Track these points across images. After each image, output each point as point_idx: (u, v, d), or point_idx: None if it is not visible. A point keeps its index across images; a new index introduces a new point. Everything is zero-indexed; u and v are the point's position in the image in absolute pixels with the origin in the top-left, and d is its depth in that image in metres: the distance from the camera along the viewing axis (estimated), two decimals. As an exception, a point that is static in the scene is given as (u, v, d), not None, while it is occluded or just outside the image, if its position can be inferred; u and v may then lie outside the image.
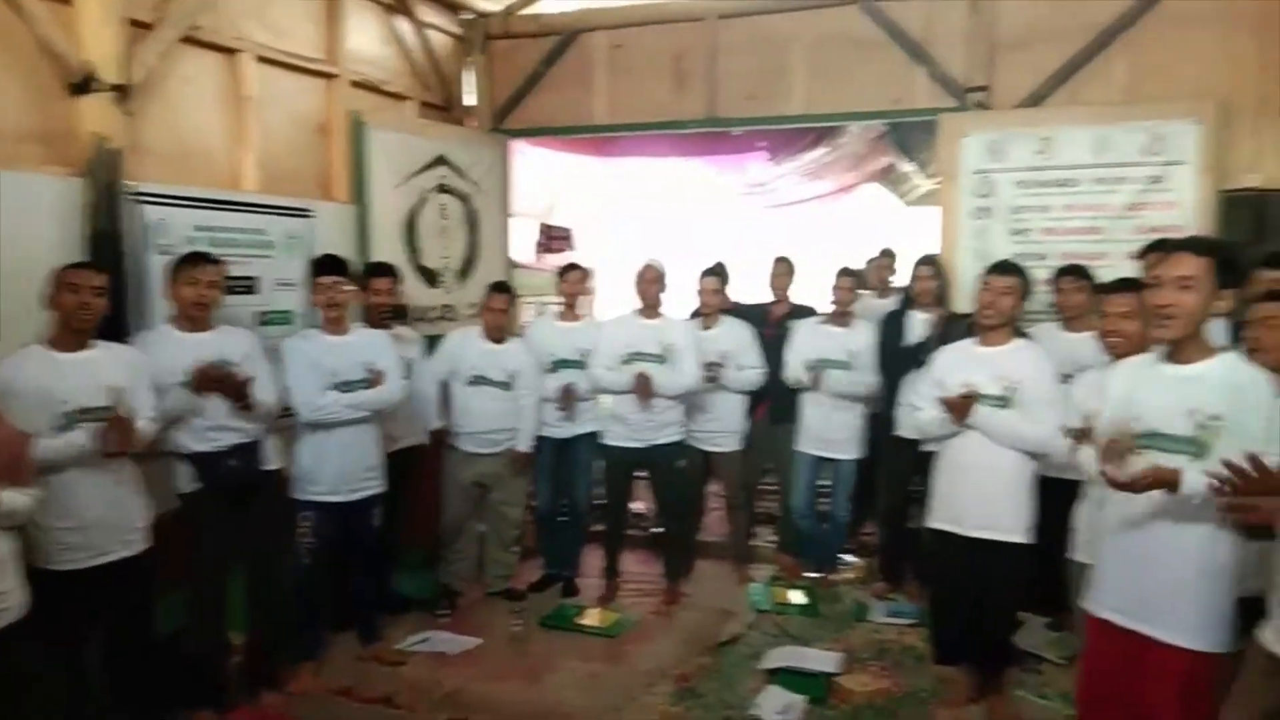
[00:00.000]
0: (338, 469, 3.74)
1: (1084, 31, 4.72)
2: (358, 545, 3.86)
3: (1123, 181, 4.54)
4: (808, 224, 8.19)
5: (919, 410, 3.51)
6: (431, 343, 4.66)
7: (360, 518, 3.83)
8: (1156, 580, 2.30)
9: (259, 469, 3.45)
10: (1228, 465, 1.90)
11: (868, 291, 5.62)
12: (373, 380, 3.75)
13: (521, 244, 7.04)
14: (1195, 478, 2.15)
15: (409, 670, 3.93)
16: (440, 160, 5.31)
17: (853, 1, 5.12)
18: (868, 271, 5.88)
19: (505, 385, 4.49)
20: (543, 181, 7.35)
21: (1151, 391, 2.34)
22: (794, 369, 4.75)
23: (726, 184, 8.15)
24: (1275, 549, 1.91)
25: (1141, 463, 2.26)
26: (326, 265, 3.79)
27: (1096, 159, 4.58)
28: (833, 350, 4.71)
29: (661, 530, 5.01)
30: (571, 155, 7.55)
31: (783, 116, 5.48)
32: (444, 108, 5.73)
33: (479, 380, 4.48)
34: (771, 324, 5.03)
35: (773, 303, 5.18)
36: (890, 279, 5.92)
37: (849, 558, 5.17)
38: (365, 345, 3.82)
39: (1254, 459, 1.88)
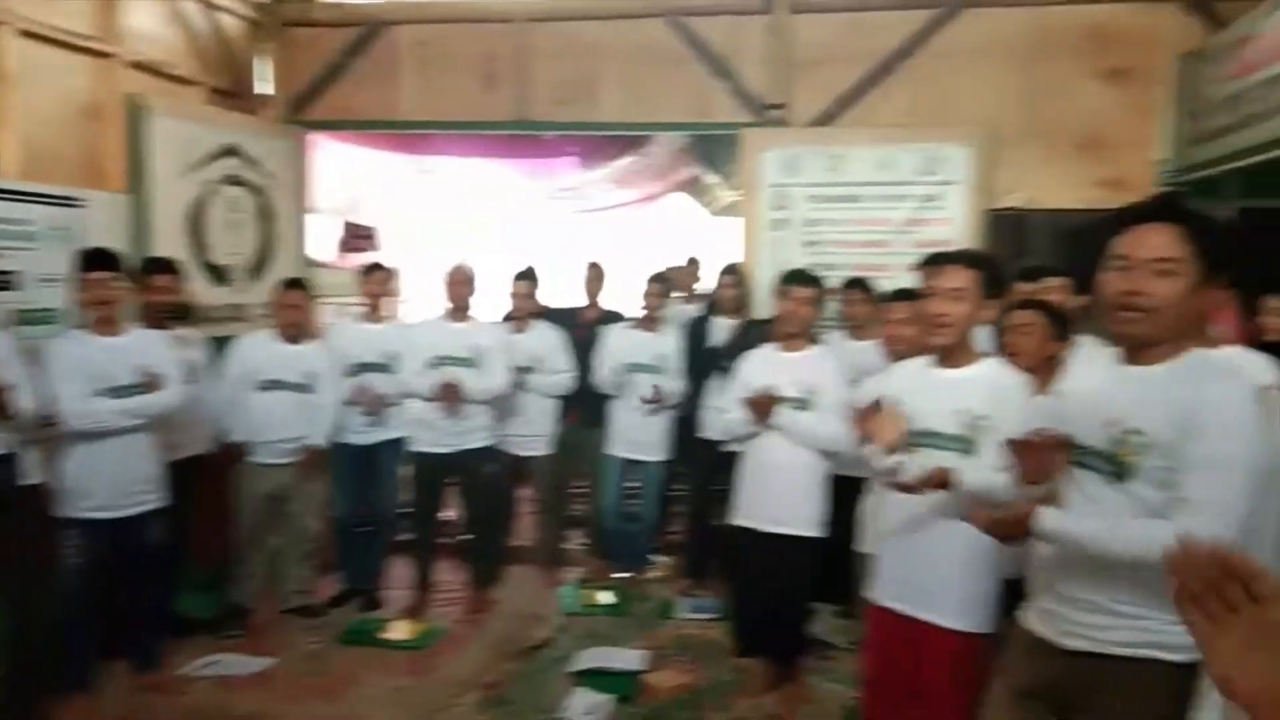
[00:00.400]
0: (110, 482, 3.41)
1: (870, 57, 5.08)
2: (133, 564, 3.53)
3: (903, 199, 4.91)
4: (617, 230, 8.31)
5: (727, 412, 3.63)
6: (220, 345, 4.36)
7: (136, 535, 3.50)
8: (928, 570, 2.48)
9: (15, 484, 3.11)
10: (1010, 442, 2.05)
11: (678, 296, 5.76)
12: (149, 385, 3.45)
13: (321, 242, 6.72)
14: (969, 476, 2.34)
15: (193, 697, 3.65)
16: (230, 151, 4.99)
17: (659, 15, 5.24)
18: (676, 278, 6.02)
19: (302, 388, 4.25)
20: (345, 177, 7.04)
21: (924, 393, 2.53)
22: (604, 373, 4.80)
23: (536, 187, 8.12)
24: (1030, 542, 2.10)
25: (918, 459, 2.44)
26: (95, 259, 3.44)
27: (880, 177, 4.93)
28: (642, 354, 4.80)
29: (469, 537, 4.91)
30: (376, 151, 7.27)
31: (592, 123, 5.55)
32: (236, 95, 5.38)
33: (273, 384, 4.22)
34: (583, 328, 5.07)
35: (584, 307, 5.22)
36: (696, 286, 6.11)
37: (657, 557, 5.28)
38: (141, 347, 3.51)
39: (1033, 434, 2.03)
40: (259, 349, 4.26)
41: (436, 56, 5.55)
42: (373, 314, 4.69)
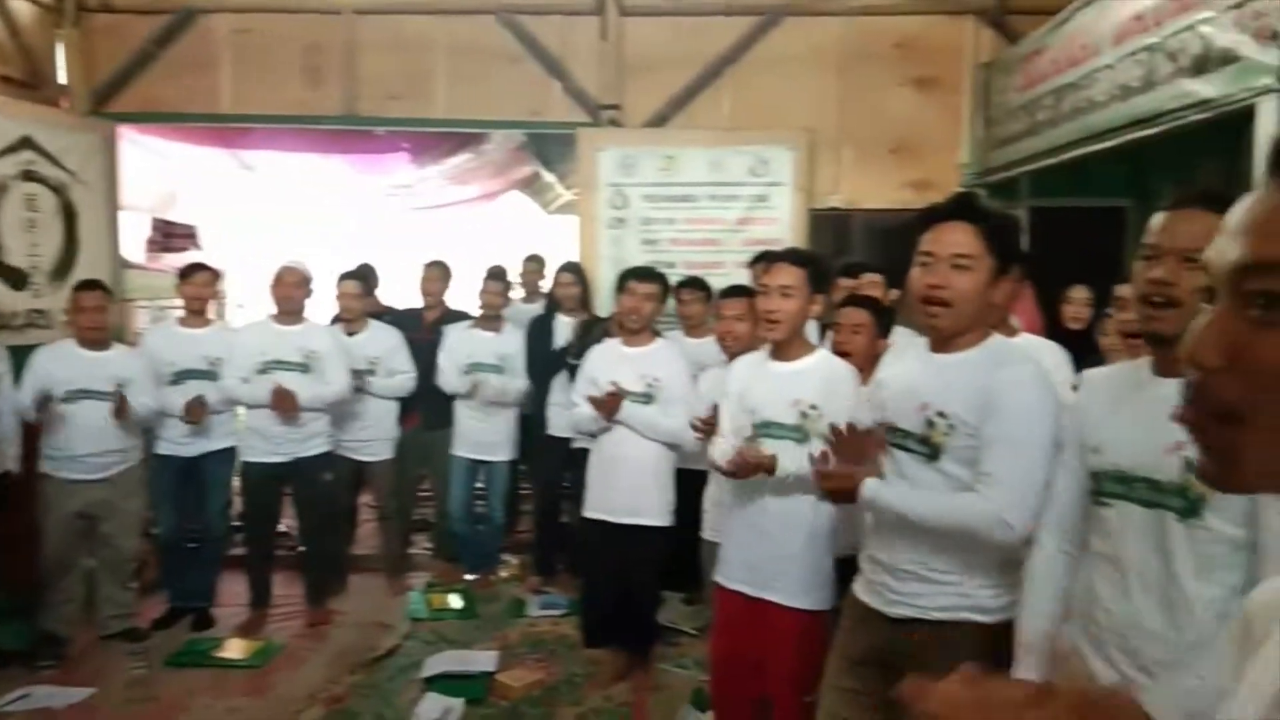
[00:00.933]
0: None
1: (698, 61, 5.24)
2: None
3: (734, 199, 5.11)
4: (456, 228, 8.20)
5: (576, 408, 3.68)
6: (18, 354, 4.00)
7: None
8: (771, 553, 2.62)
9: None
10: (831, 429, 2.22)
11: (522, 295, 5.73)
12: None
13: (135, 242, 6.30)
14: (788, 461, 2.51)
15: (3, 737, 3.36)
16: (25, 143, 4.60)
17: (489, 12, 5.22)
18: (524, 277, 5.97)
19: (112, 397, 3.94)
20: (159, 173, 6.62)
21: (762, 385, 2.67)
22: (447, 374, 4.74)
23: (369, 184, 7.89)
24: (861, 516, 2.26)
25: (764, 449, 2.58)
26: None
27: (712, 178, 5.11)
28: (484, 354, 4.77)
29: (306, 549, 4.70)
30: (194, 146, 6.86)
31: (425, 120, 5.46)
32: (32, 85, 4.96)
33: (79, 394, 3.91)
34: (425, 329, 4.98)
35: (426, 308, 5.14)
36: (540, 284, 6.10)
37: (505, 557, 5.26)
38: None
39: (849, 425, 2.21)
40: (59, 359, 3.94)
41: (257, 47, 5.31)
42: (194, 318, 4.43)
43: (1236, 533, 1.47)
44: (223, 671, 3.95)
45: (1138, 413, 1.60)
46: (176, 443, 4.29)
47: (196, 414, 4.21)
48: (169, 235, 7.09)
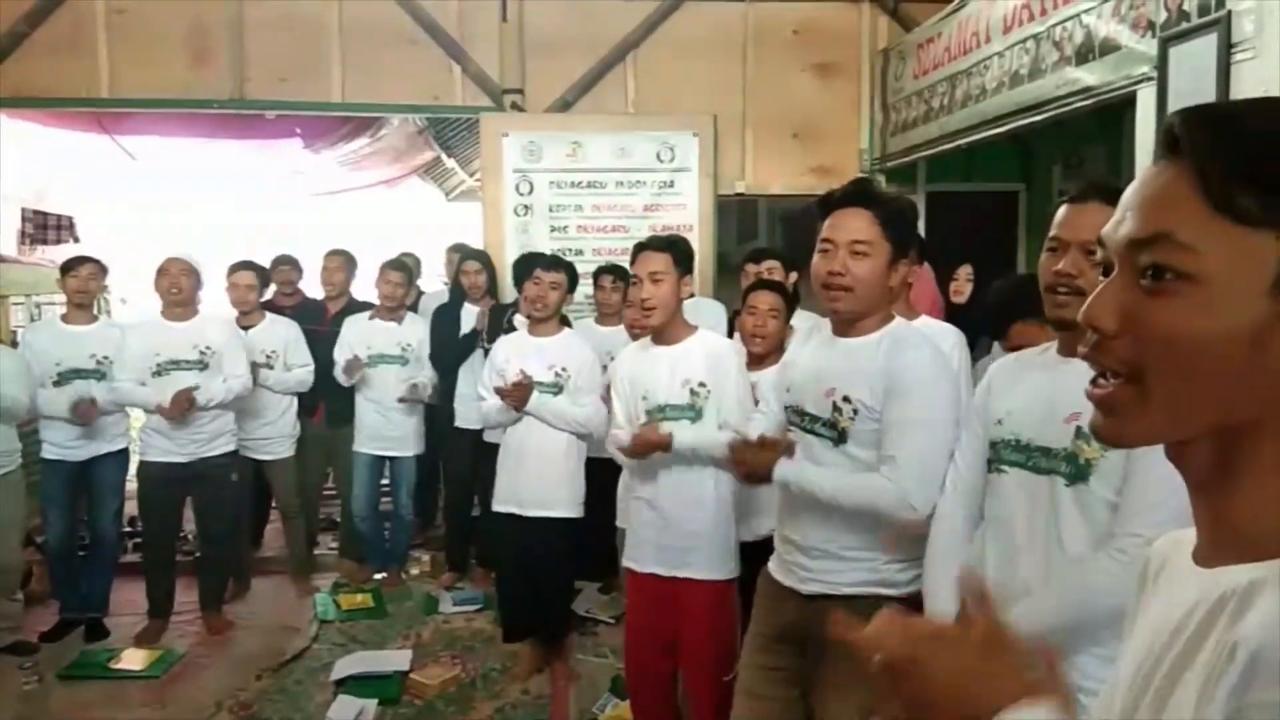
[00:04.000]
0: None
1: (601, 45, 5.20)
2: None
3: (641, 185, 5.10)
4: (356, 215, 7.98)
5: (483, 399, 3.63)
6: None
7: None
8: (680, 531, 2.67)
9: None
10: (734, 447, 2.21)
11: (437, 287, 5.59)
12: None
13: (3, 234, 5.93)
14: (684, 436, 2.60)
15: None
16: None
17: (385, -7, 5.07)
18: (449, 269, 5.78)
19: None
20: (31, 161, 6.22)
21: (651, 370, 2.75)
22: (340, 367, 4.61)
23: (261, 171, 7.60)
24: (776, 497, 2.29)
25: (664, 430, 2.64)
26: None
27: (618, 164, 5.09)
28: (386, 345, 4.66)
29: (205, 553, 4.48)
30: (70, 132, 6.47)
31: (319, 103, 5.28)
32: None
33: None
34: (327, 321, 4.83)
35: (328, 299, 4.98)
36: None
37: (415, 553, 5.17)
38: None
39: (760, 436, 2.21)
40: None
41: (138, 28, 5.03)
42: (78, 313, 4.19)
43: (1114, 498, 1.57)
44: (120, 683, 3.79)
45: (1040, 387, 1.68)
46: (65, 446, 4.07)
47: (87, 415, 3.98)
48: (43, 227, 6.68)
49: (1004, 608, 0.76)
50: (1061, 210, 1.66)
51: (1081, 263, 1.58)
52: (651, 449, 2.62)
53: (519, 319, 3.96)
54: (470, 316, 4.61)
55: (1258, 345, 0.60)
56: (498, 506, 3.63)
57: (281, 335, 4.59)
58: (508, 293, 4.87)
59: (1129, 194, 0.67)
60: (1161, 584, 0.73)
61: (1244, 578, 0.60)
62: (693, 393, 2.65)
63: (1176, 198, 0.63)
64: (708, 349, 2.71)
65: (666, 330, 2.71)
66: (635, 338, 3.37)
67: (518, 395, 3.46)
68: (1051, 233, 1.65)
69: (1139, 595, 0.76)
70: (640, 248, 2.79)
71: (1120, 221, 0.66)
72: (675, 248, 2.73)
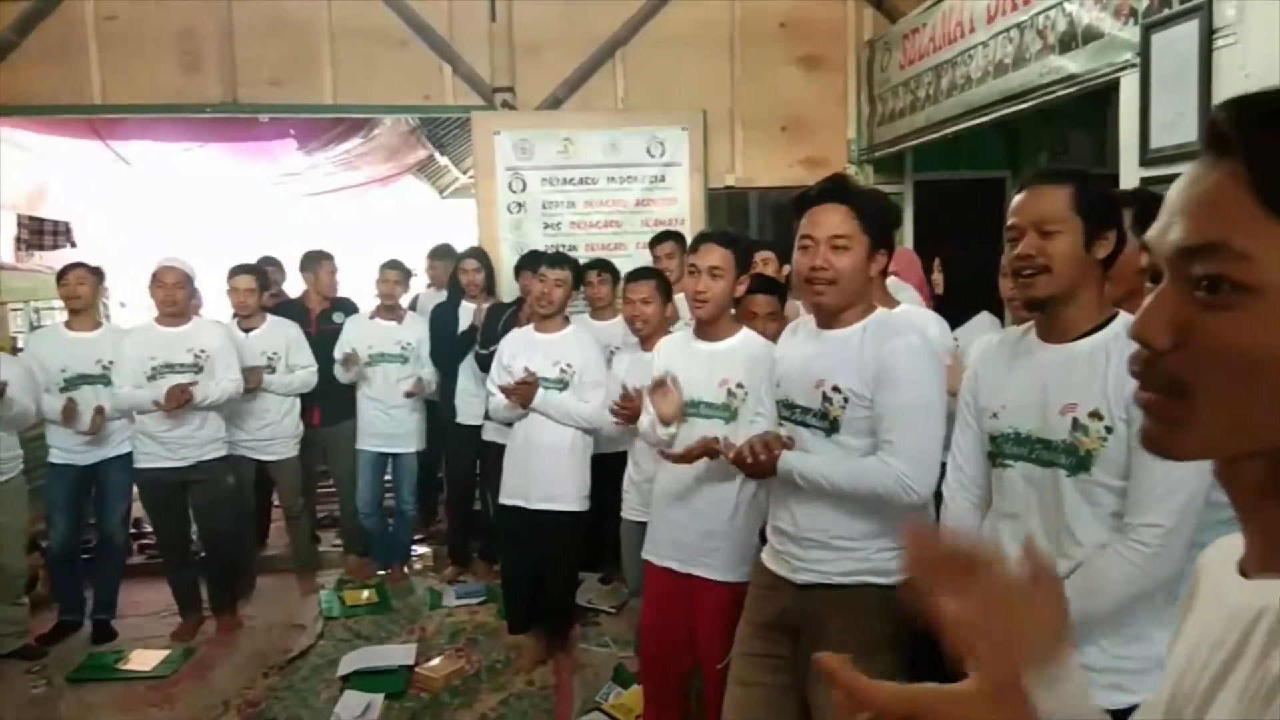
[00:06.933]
0: None
1: (590, 43, 5.24)
2: None
3: (633, 180, 5.14)
4: (349, 216, 8.01)
5: (492, 395, 3.68)
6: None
7: None
8: (701, 529, 2.66)
9: None
10: (737, 453, 2.19)
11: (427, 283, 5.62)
12: None
13: (4, 241, 5.96)
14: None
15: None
16: None
17: (375, -7, 5.11)
18: (427, 271, 5.81)
19: None
20: (27, 168, 6.25)
21: (690, 365, 2.70)
22: (340, 366, 4.65)
23: (255, 173, 7.62)
24: (771, 490, 2.34)
25: (687, 429, 2.61)
26: None
27: (610, 159, 5.13)
28: (386, 344, 4.70)
29: (208, 554, 4.52)
30: (64, 139, 6.49)
31: (312, 106, 5.31)
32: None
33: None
34: (314, 321, 4.87)
35: (311, 298, 5.02)
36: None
37: (419, 549, 5.22)
38: None
39: (764, 443, 2.18)
40: None
41: (128, 34, 5.06)
42: (81, 319, 4.22)
43: (1118, 483, 1.61)
44: (128, 684, 3.83)
45: (1031, 379, 1.72)
46: (72, 451, 4.11)
47: (92, 422, 4.04)
48: (39, 233, 6.70)
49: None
50: (1015, 199, 1.72)
51: (1039, 242, 1.65)
52: (700, 457, 2.48)
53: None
54: (468, 314, 4.65)
55: None
56: (504, 499, 3.68)
57: (283, 337, 4.62)
58: (505, 290, 4.92)
59: (1174, 195, 0.62)
60: (1205, 594, 0.70)
61: None
62: (730, 393, 2.59)
63: (1229, 202, 0.58)
64: (749, 349, 2.62)
65: (712, 326, 2.66)
66: (635, 332, 3.41)
67: (523, 393, 3.50)
68: (1009, 222, 1.71)
69: (1186, 604, 0.73)
70: (703, 238, 2.71)
71: (1167, 226, 0.61)
72: (738, 245, 2.65)
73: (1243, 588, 0.62)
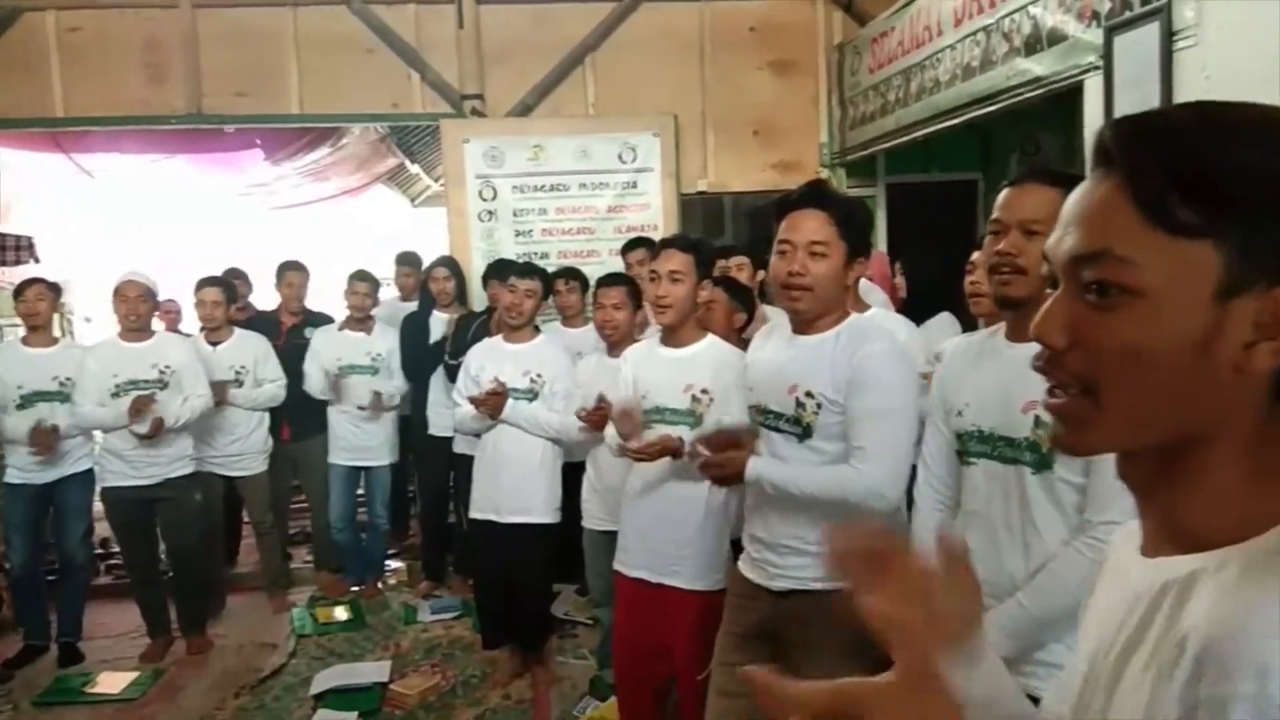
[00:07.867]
0: None
1: (559, 49, 5.21)
2: None
3: (604, 186, 5.12)
4: (319, 226, 7.93)
5: (459, 406, 3.63)
6: None
7: None
8: (671, 536, 2.64)
9: None
10: (697, 440, 2.25)
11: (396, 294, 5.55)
12: None
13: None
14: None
15: None
16: None
17: (340, 1, 5.05)
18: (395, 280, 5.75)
19: None
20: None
21: (654, 371, 2.69)
22: (313, 379, 4.59)
23: (221, 184, 7.52)
24: (744, 497, 2.32)
25: (651, 435, 2.59)
26: None
27: (580, 166, 5.10)
28: (356, 356, 4.64)
29: (176, 573, 4.43)
30: (25, 153, 6.37)
31: (278, 116, 5.25)
32: None
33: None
34: (283, 334, 4.80)
35: (283, 311, 4.95)
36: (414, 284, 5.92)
37: (393, 564, 5.15)
38: None
39: (717, 430, 2.25)
40: None
41: (91, 46, 4.98)
42: (38, 335, 4.13)
43: (1081, 480, 1.61)
44: (96, 707, 3.76)
45: (995, 377, 1.72)
46: (28, 470, 4.02)
47: (48, 443, 3.94)
48: (1, 248, 6.57)
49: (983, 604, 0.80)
50: (1002, 194, 1.71)
51: (1021, 242, 1.63)
52: (660, 454, 2.51)
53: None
54: (439, 324, 4.60)
55: (1205, 354, 0.59)
56: (475, 513, 3.63)
57: (250, 350, 4.55)
58: (476, 299, 4.87)
59: (1069, 207, 0.67)
60: (1110, 575, 0.74)
61: (1184, 568, 0.61)
62: (694, 399, 2.58)
63: (1113, 211, 0.62)
64: (715, 355, 2.62)
65: (677, 333, 2.65)
66: (606, 338, 3.39)
67: (493, 404, 3.46)
68: (993, 215, 1.70)
69: (1095, 587, 0.77)
70: (664, 244, 2.71)
71: (1062, 237, 0.66)
72: (699, 250, 2.65)
73: (1144, 566, 0.67)
